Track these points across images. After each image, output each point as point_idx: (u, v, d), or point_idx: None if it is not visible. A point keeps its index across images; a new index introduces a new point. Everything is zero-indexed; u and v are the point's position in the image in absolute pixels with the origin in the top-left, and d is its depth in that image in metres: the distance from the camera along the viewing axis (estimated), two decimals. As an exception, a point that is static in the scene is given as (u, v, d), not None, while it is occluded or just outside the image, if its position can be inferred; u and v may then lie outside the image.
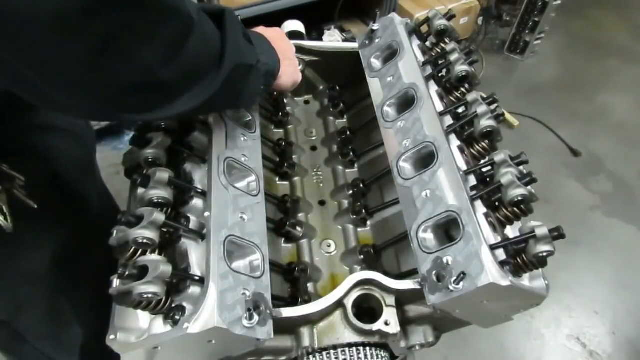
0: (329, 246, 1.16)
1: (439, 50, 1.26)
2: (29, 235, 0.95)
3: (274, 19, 1.87)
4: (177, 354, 0.82)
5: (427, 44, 1.31)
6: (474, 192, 0.94)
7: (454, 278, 0.83)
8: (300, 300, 1.00)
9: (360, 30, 3.61)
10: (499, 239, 0.89)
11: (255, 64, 0.84)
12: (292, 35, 1.51)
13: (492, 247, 0.85)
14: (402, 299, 0.95)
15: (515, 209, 0.91)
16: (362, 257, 1.11)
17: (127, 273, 0.74)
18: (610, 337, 2.48)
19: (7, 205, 0.83)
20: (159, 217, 0.80)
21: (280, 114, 1.36)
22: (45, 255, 1.03)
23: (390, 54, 1.28)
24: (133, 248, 0.78)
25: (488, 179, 0.97)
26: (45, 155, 1.00)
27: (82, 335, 1.22)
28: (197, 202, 0.94)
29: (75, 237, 1.08)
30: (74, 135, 1.11)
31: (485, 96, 1.07)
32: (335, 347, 0.91)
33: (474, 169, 0.99)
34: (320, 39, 3.46)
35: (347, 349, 0.91)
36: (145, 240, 0.77)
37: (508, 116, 3.45)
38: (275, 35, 1.02)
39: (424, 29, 1.30)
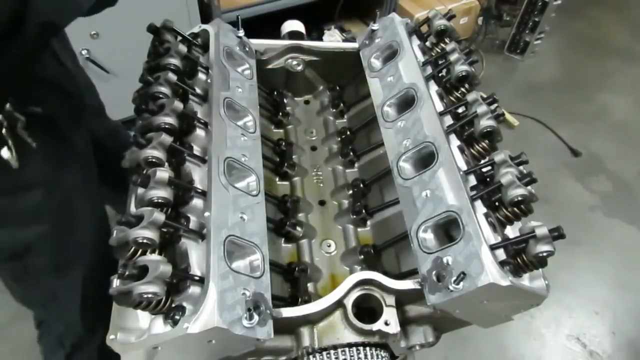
0: (329, 246, 1.16)
1: (439, 50, 1.26)
2: (30, 173, 1.05)
3: (274, 19, 1.88)
4: (177, 354, 0.82)
5: (427, 44, 1.31)
6: (474, 192, 0.94)
7: (454, 278, 0.83)
8: (300, 300, 1.00)
9: (360, 30, 3.61)
10: (499, 239, 0.89)
11: None
12: (292, 35, 1.52)
13: (492, 247, 0.85)
14: (402, 299, 0.95)
15: (515, 209, 0.91)
16: (362, 257, 1.11)
17: (127, 273, 0.74)
18: (610, 337, 2.48)
19: (13, 142, 0.94)
20: (159, 217, 0.80)
21: (280, 114, 1.36)
22: (49, 193, 1.12)
23: (390, 54, 1.28)
24: (133, 248, 0.78)
25: (488, 179, 0.97)
26: (42, 102, 1.06)
27: (85, 274, 1.29)
28: (197, 202, 0.94)
29: (75, 179, 1.20)
30: (63, 90, 1.17)
31: (485, 96, 1.07)
32: (335, 347, 0.91)
33: (474, 169, 0.99)
34: (320, 39, 3.47)
35: (347, 349, 0.91)
36: (145, 240, 0.77)
37: (508, 116, 3.45)
38: None
39: (424, 29, 1.30)
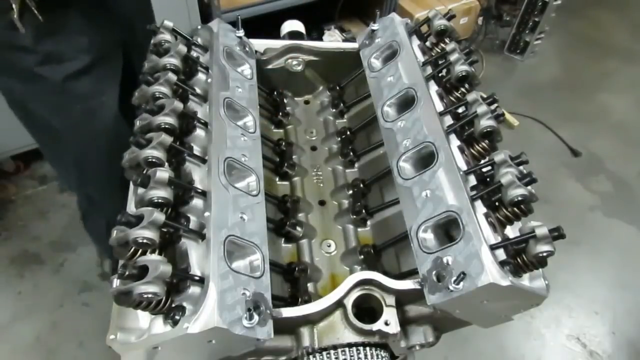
0: (329, 246, 1.16)
1: (439, 50, 1.26)
2: (31, 40, 1.22)
3: (274, 19, 1.87)
4: (177, 354, 0.82)
5: (427, 44, 1.31)
6: (474, 192, 0.94)
7: (454, 278, 0.83)
8: (300, 300, 1.00)
9: (360, 30, 3.61)
10: (499, 239, 0.89)
11: None
12: (292, 35, 1.52)
13: (492, 247, 0.85)
14: (402, 299, 0.95)
15: (515, 209, 0.91)
16: (362, 257, 1.11)
17: (127, 273, 0.74)
18: (610, 337, 2.48)
19: (19, 7, 1.11)
20: (159, 217, 0.80)
21: (280, 114, 1.36)
22: (45, 63, 1.29)
23: (391, 54, 1.28)
24: (133, 248, 0.78)
25: (488, 179, 0.97)
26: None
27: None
28: (197, 202, 0.94)
29: (82, 69, 1.35)
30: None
31: (485, 96, 1.07)
32: (335, 347, 0.91)
33: (474, 169, 0.99)
34: (320, 39, 3.47)
35: (347, 349, 0.91)
36: (145, 240, 0.77)
37: (508, 116, 3.46)
38: None
39: (424, 29, 1.30)
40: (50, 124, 1.42)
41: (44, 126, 1.44)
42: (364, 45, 1.35)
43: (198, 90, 1.12)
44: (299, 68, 1.40)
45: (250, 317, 0.79)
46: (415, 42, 1.27)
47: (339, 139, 1.34)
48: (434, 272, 0.88)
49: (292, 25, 1.54)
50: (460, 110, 1.10)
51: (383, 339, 0.91)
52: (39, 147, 1.64)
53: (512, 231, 0.96)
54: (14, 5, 1.10)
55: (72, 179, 1.59)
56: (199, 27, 1.28)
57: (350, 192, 1.23)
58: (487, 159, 0.99)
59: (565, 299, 2.59)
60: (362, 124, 1.33)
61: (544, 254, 0.81)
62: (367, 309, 0.94)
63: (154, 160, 0.91)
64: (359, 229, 1.19)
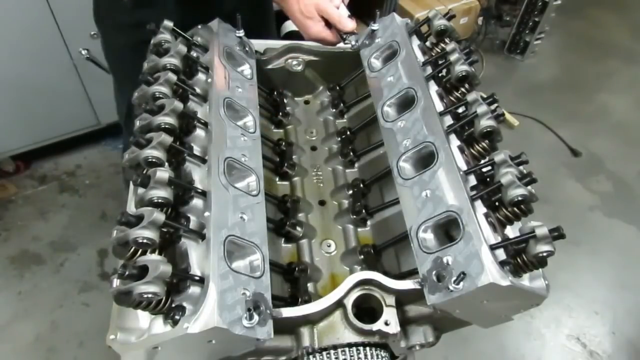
0: (329, 246, 1.16)
1: (439, 50, 1.26)
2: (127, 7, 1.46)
3: (275, 19, 1.87)
4: (177, 354, 0.82)
5: (427, 44, 1.31)
6: (474, 192, 0.94)
7: (454, 278, 0.83)
8: (300, 300, 1.00)
9: (360, 30, 3.61)
10: (499, 239, 0.89)
11: None
12: (292, 35, 1.51)
13: (492, 247, 0.85)
14: (402, 299, 0.95)
15: (515, 209, 0.91)
16: (362, 257, 1.11)
17: (127, 273, 0.74)
18: (610, 337, 2.48)
19: None
20: (159, 217, 0.80)
21: (280, 114, 1.36)
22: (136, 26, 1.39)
23: (391, 54, 1.28)
24: (133, 248, 0.78)
25: (488, 179, 0.97)
26: None
27: None
28: (197, 202, 0.94)
29: None
30: None
31: (485, 96, 1.07)
32: (335, 347, 0.91)
33: (474, 169, 0.99)
34: (320, 39, 3.46)
35: (347, 349, 0.91)
36: (145, 240, 0.77)
37: (508, 116, 3.46)
38: None
39: (424, 29, 1.30)
40: (125, 68, 1.62)
41: (120, 69, 1.71)
42: (364, 45, 1.35)
43: (198, 90, 1.12)
44: (299, 68, 1.40)
45: (250, 317, 0.79)
46: (415, 42, 1.27)
47: (339, 139, 1.34)
48: (434, 272, 0.88)
49: (293, 25, 1.54)
50: (460, 110, 1.10)
51: (383, 339, 0.91)
52: (113, 81, 1.85)
53: (512, 231, 0.96)
54: None
55: (123, 115, 1.82)
56: (199, 27, 1.28)
57: (350, 192, 1.23)
58: (487, 159, 0.99)
59: (565, 299, 2.59)
60: (362, 124, 1.33)
61: (544, 254, 0.81)
62: (367, 309, 0.94)
63: (154, 160, 0.91)
64: (359, 229, 1.19)
